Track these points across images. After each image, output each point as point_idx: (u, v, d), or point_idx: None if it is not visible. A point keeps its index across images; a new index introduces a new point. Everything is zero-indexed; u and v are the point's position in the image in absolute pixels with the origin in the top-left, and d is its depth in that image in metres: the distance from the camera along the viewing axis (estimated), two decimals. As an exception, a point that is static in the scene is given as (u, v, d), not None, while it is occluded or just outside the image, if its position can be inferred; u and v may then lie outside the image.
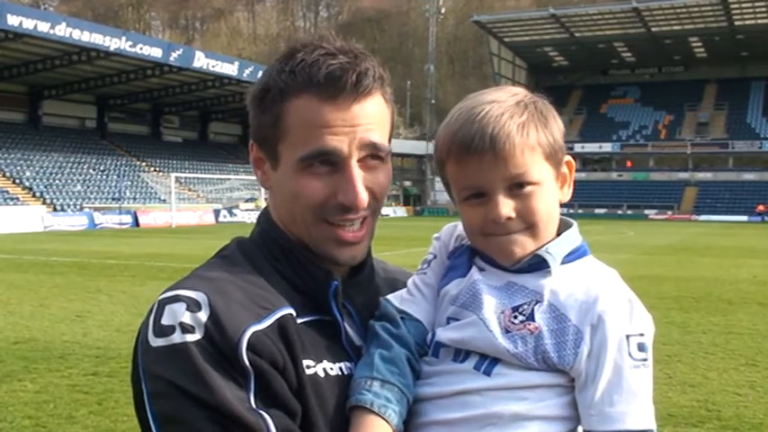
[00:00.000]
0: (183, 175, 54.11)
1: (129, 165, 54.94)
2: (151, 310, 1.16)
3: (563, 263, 1.24)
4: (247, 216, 51.30)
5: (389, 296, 1.32)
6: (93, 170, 51.14)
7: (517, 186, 1.20)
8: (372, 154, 1.24)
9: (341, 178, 1.22)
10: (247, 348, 1.11)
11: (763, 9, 63.07)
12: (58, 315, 11.16)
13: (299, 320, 1.21)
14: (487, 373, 1.18)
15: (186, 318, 1.11)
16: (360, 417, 1.15)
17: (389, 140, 1.30)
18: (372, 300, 1.33)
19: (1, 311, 11.48)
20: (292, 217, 1.27)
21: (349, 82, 1.19)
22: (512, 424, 1.15)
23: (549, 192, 1.23)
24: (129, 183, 51.46)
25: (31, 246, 25.85)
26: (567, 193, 1.29)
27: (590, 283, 1.21)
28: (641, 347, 1.17)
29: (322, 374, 1.19)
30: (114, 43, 43.77)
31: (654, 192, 68.63)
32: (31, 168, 46.81)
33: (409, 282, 1.35)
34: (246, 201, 55.58)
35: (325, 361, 1.21)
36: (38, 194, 44.02)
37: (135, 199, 49.66)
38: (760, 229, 47.50)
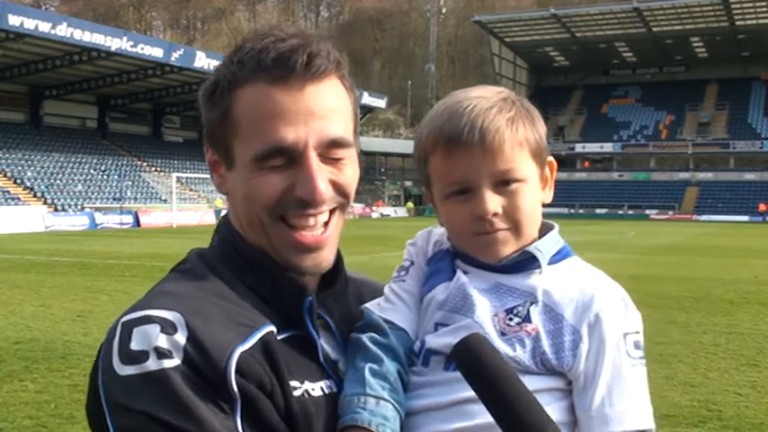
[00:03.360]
0: (184, 175, 54.11)
1: (130, 165, 54.95)
2: (113, 334, 1.02)
3: (550, 263, 1.22)
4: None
5: (368, 305, 1.25)
6: (94, 170, 51.15)
7: (504, 182, 1.18)
8: (334, 150, 1.15)
9: (299, 171, 1.12)
10: (236, 372, 1.01)
11: (765, 9, 63.02)
12: (59, 315, 11.17)
13: (278, 337, 1.11)
14: None
15: (162, 341, 0.99)
16: None
17: (355, 132, 1.20)
18: (349, 310, 1.24)
19: (2, 311, 11.48)
20: (251, 222, 1.16)
21: (299, 61, 1.09)
22: None
23: (534, 190, 1.22)
24: (130, 183, 51.48)
25: (32, 246, 25.85)
26: (548, 195, 1.27)
27: (583, 283, 1.19)
28: (637, 345, 1.15)
29: (307, 395, 1.10)
30: (115, 43, 43.76)
31: (655, 192, 68.60)
32: (32, 168, 46.83)
33: (386, 290, 1.28)
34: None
35: (306, 381, 1.11)
36: (39, 194, 44.02)
37: (136, 199, 49.67)
38: (761, 228, 47.48)
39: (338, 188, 1.16)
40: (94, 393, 1.04)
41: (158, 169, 56.25)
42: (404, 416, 1.14)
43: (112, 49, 43.64)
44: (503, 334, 1.16)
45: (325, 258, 1.18)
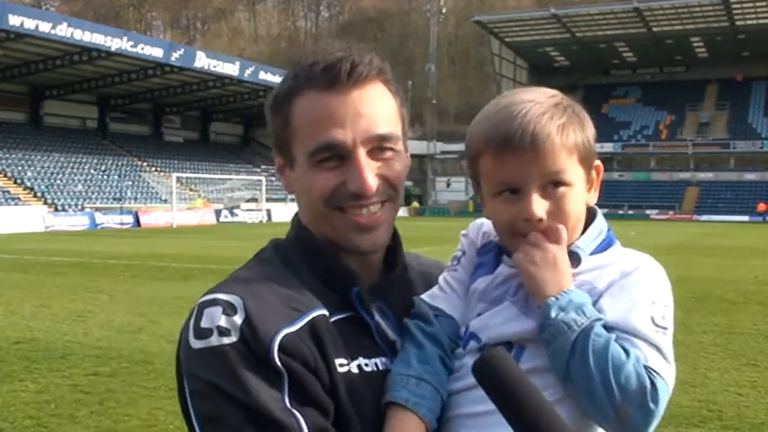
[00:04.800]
0: (185, 175, 54.10)
1: (131, 165, 54.94)
2: (192, 313, 1.21)
3: (593, 254, 1.26)
4: (248, 216, 51.33)
5: (423, 295, 1.36)
6: (95, 170, 51.13)
7: (552, 185, 1.22)
8: (382, 146, 1.28)
9: (350, 168, 1.26)
10: (279, 350, 1.15)
11: (765, 9, 62.96)
12: (59, 315, 11.17)
13: (333, 318, 1.25)
14: (516, 359, 1.18)
15: (222, 321, 1.16)
16: (395, 413, 1.19)
17: (403, 132, 1.34)
18: (407, 296, 1.37)
19: (2, 311, 11.49)
20: (313, 214, 1.32)
21: (343, 69, 1.24)
22: None
23: (580, 194, 1.25)
24: (131, 183, 51.47)
25: (32, 246, 25.85)
26: (593, 197, 1.31)
27: (623, 266, 1.23)
28: (663, 316, 1.21)
29: (356, 371, 1.23)
30: (115, 43, 43.78)
31: (655, 192, 68.57)
32: (33, 168, 46.81)
33: (440, 278, 1.38)
34: (248, 200, 55.62)
35: (360, 357, 1.25)
36: (39, 195, 44.01)
37: (136, 199, 49.65)
38: (761, 229, 47.44)
39: (387, 181, 1.29)
40: (177, 360, 1.24)
41: (158, 169, 56.24)
42: (446, 397, 1.23)
43: (113, 49, 43.66)
44: (539, 307, 1.19)
45: (381, 237, 1.32)
